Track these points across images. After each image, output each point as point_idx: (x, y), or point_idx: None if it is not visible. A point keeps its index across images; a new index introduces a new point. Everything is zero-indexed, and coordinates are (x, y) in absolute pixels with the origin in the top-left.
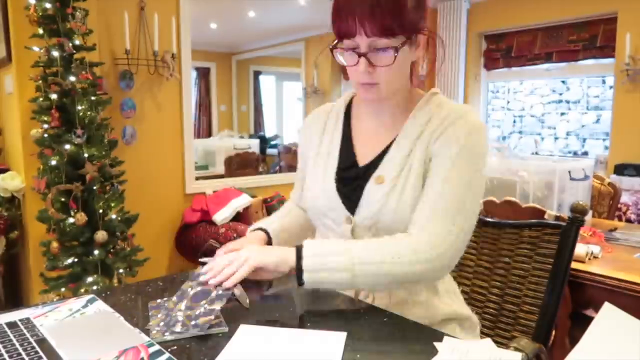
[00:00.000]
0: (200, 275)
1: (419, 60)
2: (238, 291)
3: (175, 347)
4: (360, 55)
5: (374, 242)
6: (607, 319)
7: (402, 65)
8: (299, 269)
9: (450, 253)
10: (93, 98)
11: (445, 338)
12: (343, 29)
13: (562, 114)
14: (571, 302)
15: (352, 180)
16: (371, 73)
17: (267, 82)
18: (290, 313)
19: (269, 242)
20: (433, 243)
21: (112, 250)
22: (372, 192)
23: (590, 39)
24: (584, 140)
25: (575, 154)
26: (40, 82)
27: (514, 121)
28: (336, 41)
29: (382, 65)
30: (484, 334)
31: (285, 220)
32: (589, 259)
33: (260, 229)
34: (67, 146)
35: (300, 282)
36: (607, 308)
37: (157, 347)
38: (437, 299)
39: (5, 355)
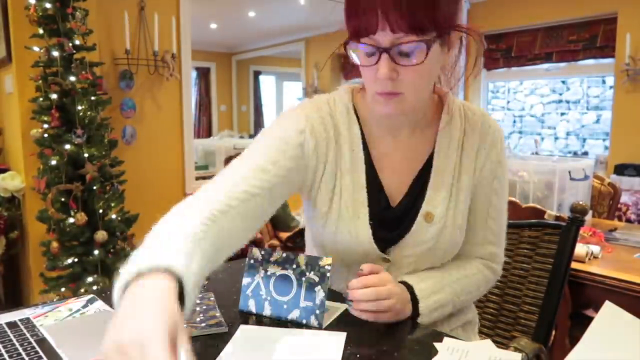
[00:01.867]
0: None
1: (446, 66)
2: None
3: None
4: (382, 51)
5: (466, 280)
6: (608, 318)
7: (432, 69)
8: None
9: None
10: (93, 98)
11: (445, 338)
12: (363, 24)
13: (562, 114)
14: (571, 302)
15: (389, 221)
16: (394, 80)
17: (267, 82)
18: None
19: (181, 295)
20: (499, 272)
21: (112, 250)
22: (420, 232)
23: (590, 39)
24: (584, 140)
25: (575, 154)
26: (40, 82)
27: (514, 121)
28: (350, 41)
29: (411, 64)
30: (484, 334)
31: (204, 256)
32: (589, 259)
33: (164, 268)
34: (67, 146)
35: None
36: (608, 307)
37: None
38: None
39: (5, 355)
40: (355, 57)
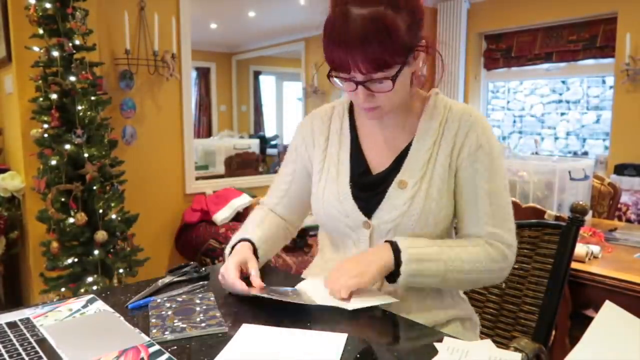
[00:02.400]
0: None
1: (418, 69)
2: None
3: (175, 347)
4: (357, 84)
5: (460, 249)
6: (608, 318)
7: (401, 85)
8: (396, 274)
9: (514, 257)
10: (93, 98)
11: (445, 338)
12: (337, 63)
13: (562, 114)
14: (571, 302)
15: (368, 186)
16: (371, 100)
17: (267, 82)
18: (292, 313)
19: (254, 252)
20: (505, 253)
21: (112, 250)
22: (394, 197)
23: (590, 39)
24: (584, 140)
25: (575, 154)
26: (40, 82)
27: (514, 121)
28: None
29: (381, 92)
30: (484, 334)
31: (264, 231)
32: (589, 259)
33: (244, 239)
34: (67, 146)
35: (391, 281)
36: (608, 307)
37: (157, 347)
38: (440, 302)
39: (5, 355)
40: (339, 84)
